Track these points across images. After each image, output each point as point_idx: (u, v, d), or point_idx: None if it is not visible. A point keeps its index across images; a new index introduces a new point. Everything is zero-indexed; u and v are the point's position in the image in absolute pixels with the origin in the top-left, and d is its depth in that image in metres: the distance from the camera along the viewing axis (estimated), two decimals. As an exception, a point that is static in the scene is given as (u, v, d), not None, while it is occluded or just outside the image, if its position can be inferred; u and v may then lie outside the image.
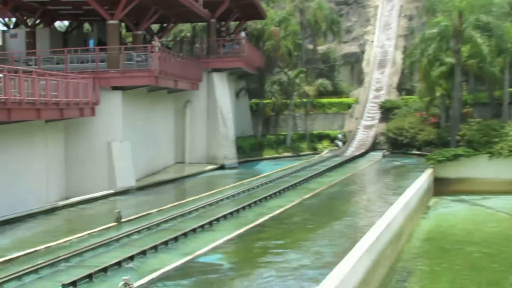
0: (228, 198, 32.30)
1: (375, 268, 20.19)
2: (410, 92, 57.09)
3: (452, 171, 41.33)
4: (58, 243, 21.20)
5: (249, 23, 59.60)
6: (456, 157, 41.33)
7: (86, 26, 49.86)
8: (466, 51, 42.19)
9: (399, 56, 61.45)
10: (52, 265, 17.97)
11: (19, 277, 16.61)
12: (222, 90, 50.67)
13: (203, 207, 29.32)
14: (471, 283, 21.69)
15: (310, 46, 60.61)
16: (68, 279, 15.54)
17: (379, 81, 59.87)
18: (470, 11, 41.84)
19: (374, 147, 52.57)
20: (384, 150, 50.52)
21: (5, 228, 25.84)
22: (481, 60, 41.68)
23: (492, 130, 41.92)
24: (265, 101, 58.29)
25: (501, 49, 41.79)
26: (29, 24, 44.17)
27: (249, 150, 53.57)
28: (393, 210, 25.63)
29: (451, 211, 36.49)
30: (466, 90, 46.94)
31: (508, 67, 44.42)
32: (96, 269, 16.84)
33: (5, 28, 45.78)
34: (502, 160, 40.91)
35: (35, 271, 17.39)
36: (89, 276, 16.12)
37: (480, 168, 41.43)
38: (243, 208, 28.23)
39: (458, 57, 42.27)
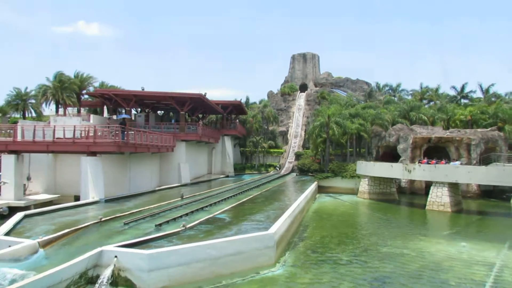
0: (231, 189, 35.70)
1: (292, 224, 22.68)
2: (307, 148, 61.62)
3: (325, 182, 46.53)
4: (154, 206, 23.97)
5: (240, 116, 65.31)
6: (327, 177, 47.18)
7: (171, 113, 52.80)
8: (331, 132, 47.43)
9: (302, 133, 67.04)
10: (151, 216, 20.68)
11: (136, 220, 19.30)
12: (227, 143, 56.29)
13: (219, 192, 32.51)
14: (333, 232, 24.49)
15: (266, 127, 66.92)
16: (158, 222, 18.57)
17: (294, 143, 65.89)
18: (333, 115, 48.32)
19: (292, 171, 56.81)
20: (296, 173, 55.07)
21: (132, 198, 28.34)
22: (337, 137, 47.54)
23: (342, 166, 48.18)
24: (246, 149, 63.72)
25: (345, 132, 47.79)
26: (146, 111, 48.94)
27: (239, 169, 59.48)
28: (301, 198, 28.61)
29: (325, 200, 40.08)
30: (331, 149, 51.48)
31: (349, 140, 50.35)
32: (170, 218, 19.59)
33: (135, 112, 48.89)
34: (347, 179, 46.41)
35: (143, 218, 20.00)
36: (167, 222, 18.93)
37: (337, 182, 46.65)
38: (236, 194, 31.31)
39: (327, 135, 48.35)
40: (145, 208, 23.45)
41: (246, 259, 15.80)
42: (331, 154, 51.61)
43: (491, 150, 44.32)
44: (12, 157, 26.66)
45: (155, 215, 21.37)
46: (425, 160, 39.28)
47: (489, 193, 43.54)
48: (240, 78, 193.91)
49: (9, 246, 13.97)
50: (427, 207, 34.48)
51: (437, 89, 69.66)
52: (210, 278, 14.51)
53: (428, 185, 37.05)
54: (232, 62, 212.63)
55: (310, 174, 51.05)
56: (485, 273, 17.04)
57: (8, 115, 55.34)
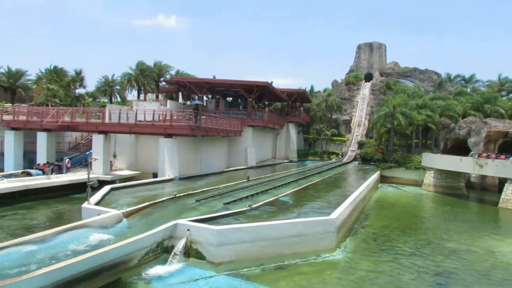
0: (294, 174, 35.32)
1: (354, 211, 22.26)
2: (370, 137, 59.36)
3: (388, 172, 44.87)
4: (222, 186, 24.55)
5: (305, 104, 64.97)
6: (390, 167, 45.34)
7: (239, 100, 53.81)
8: (396, 123, 45.49)
9: (366, 122, 64.77)
10: (219, 194, 21.26)
11: (206, 198, 20.02)
12: (292, 130, 56.19)
13: (283, 176, 32.31)
14: (395, 222, 23.66)
15: (329, 115, 65.07)
16: (225, 201, 19.12)
17: (357, 132, 63.82)
18: (398, 106, 45.92)
19: (354, 159, 55.04)
20: (359, 161, 53.34)
21: (202, 178, 29.46)
22: (402, 127, 45.40)
23: (407, 157, 45.79)
24: (309, 136, 63.57)
25: (411, 123, 45.39)
26: (216, 97, 50.10)
27: (302, 155, 59.03)
28: (363, 186, 27.74)
29: (388, 190, 38.73)
30: (395, 139, 49.72)
31: (414, 131, 47.64)
32: (237, 198, 20.08)
33: (206, 98, 49.97)
34: (411, 170, 44.03)
35: (212, 196, 20.62)
36: (234, 201, 19.39)
37: (401, 173, 44.56)
38: (299, 179, 30.75)
39: (392, 125, 46.24)
40: (214, 187, 24.04)
41: (307, 241, 15.77)
42: (395, 144, 49.78)
43: None
44: (101, 137, 28.88)
45: (223, 194, 21.91)
46: (485, 155, 35.92)
47: None
48: (305, 68, 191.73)
49: (98, 215, 15.27)
50: (499, 205, 31.41)
51: (518, 80, 63.40)
52: (272, 257, 14.69)
53: (502, 181, 33.77)
54: (298, 52, 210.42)
55: (372, 163, 49.64)
56: None
57: (98, 100, 59.43)
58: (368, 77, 77.23)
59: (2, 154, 32.17)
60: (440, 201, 34.33)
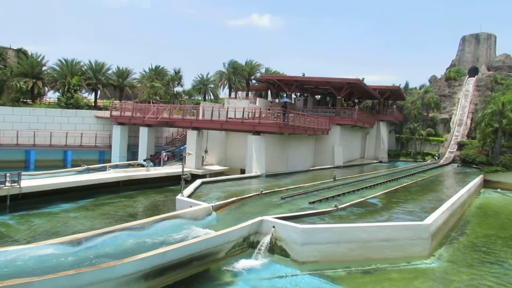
0: (384, 175, 33.77)
1: (450, 217, 20.69)
2: (472, 137, 55.10)
3: (493, 177, 40.54)
4: (308, 184, 24.23)
5: (398, 102, 62.20)
6: (496, 171, 41.17)
7: (328, 98, 52.78)
8: (505, 122, 42.00)
9: (468, 121, 60.10)
10: (305, 193, 21.17)
11: (291, 196, 19.95)
12: (383, 129, 53.89)
13: (372, 177, 31.05)
14: (501, 232, 21.41)
15: (425, 113, 61.43)
16: (311, 200, 18.90)
17: (458, 132, 59.52)
18: (508, 103, 41.92)
19: (453, 161, 51.90)
20: (458, 163, 50.15)
21: (288, 175, 29.49)
22: (512, 126, 41.87)
23: (516, 160, 41.89)
24: (402, 136, 60.47)
25: (524, 123, 41.33)
26: (305, 95, 49.49)
27: (393, 155, 56.60)
28: (462, 191, 25.92)
29: (492, 196, 35.32)
30: (503, 140, 45.39)
31: None
32: (322, 197, 19.74)
33: (294, 96, 49.55)
34: (521, 175, 40.29)
35: (298, 194, 20.61)
36: (320, 200, 19.09)
37: (509, 178, 40.23)
38: (389, 180, 29.38)
39: (500, 124, 42.59)
40: (300, 185, 23.85)
41: (398, 247, 14.86)
42: (503, 146, 45.45)
43: None
44: (194, 132, 30.34)
45: (309, 193, 21.71)
46: None
47: None
48: (400, 64, 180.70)
49: (190, 207, 16.08)
50: None
51: None
52: (359, 260, 14.15)
53: None
54: (394, 46, 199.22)
55: (474, 166, 46.17)
56: None
57: (193, 97, 63.04)
58: (473, 72, 71.15)
59: (110, 147, 35.69)
60: (559, 211, 30.16)
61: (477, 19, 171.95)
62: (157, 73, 53.14)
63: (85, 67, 45.59)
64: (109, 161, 33.44)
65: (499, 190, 37.91)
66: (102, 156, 36.42)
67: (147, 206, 22.17)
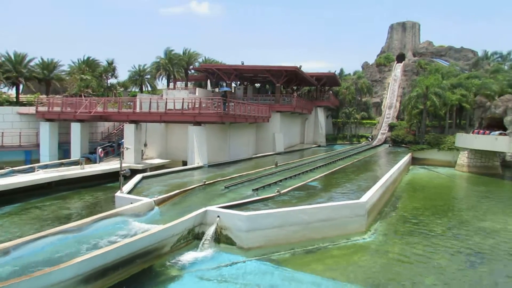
0: (323, 158, 34.95)
1: (384, 194, 22.09)
2: (401, 119, 57.65)
3: (420, 154, 43.82)
4: (251, 172, 24.45)
5: (334, 87, 63.95)
6: (422, 149, 44.37)
7: (267, 86, 53.14)
8: (429, 103, 44.57)
9: (397, 104, 63.16)
10: (248, 181, 21.36)
11: (235, 184, 20.04)
12: (320, 114, 55.32)
13: (311, 161, 32.13)
14: (427, 204, 23.24)
15: (359, 98, 63.86)
16: (254, 187, 19.01)
17: (388, 114, 62.82)
18: (431, 86, 44.55)
19: (385, 142, 54.62)
20: (389, 144, 52.79)
21: (231, 165, 29.29)
22: (437, 108, 44.40)
23: (439, 138, 44.73)
24: (338, 120, 62.33)
25: (445, 103, 44.33)
26: (244, 83, 49.82)
27: (331, 139, 58.66)
28: (393, 169, 27.35)
29: (419, 172, 37.97)
30: (428, 120, 49.02)
31: (448, 111, 46.56)
32: (266, 184, 20.09)
33: (234, 85, 49.53)
34: (444, 151, 43.04)
35: (241, 182, 20.76)
36: (263, 187, 19.37)
37: (433, 154, 43.53)
38: (327, 163, 30.47)
39: (424, 106, 45.30)
40: (243, 173, 24.00)
41: (337, 225, 15.63)
42: (427, 125, 48.85)
43: None
44: (132, 126, 29.10)
45: (252, 180, 21.91)
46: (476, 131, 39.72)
47: None
48: (335, 51, 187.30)
49: (131, 203, 15.52)
50: (537, 184, 30.58)
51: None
52: (302, 241, 14.64)
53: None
54: (328, 35, 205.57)
55: (403, 145, 48.90)
56: None
57: (129, 90, 60.36)
58: (400, 58, 75.24)
59: (38, 145, 32.94)
60: (474, 181, 33.53)
61: (404, 8, 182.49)
62: (88, 64, 49.99)
63: (2, 59, 41.44)
64: (38, 161, 30.94)
65: (425, 166, 41.10)
66: (29, 156, 33.47)
67: (84, 206, 21.01)
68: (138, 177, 21.19)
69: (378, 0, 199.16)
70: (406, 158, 37.83)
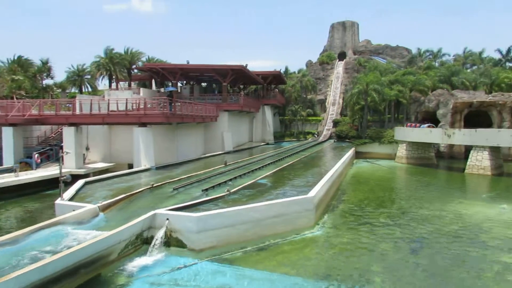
0: (271, 156, 35.27)
1: (331, 188, 22.80)
2: (345, 115, 59.29)
3: (363, 148, 45.94)
4: (200, 172, 24.22)
5: (280, 86, 64.61)
6: (364, 143, 46.52)
7: (214, 85, 52.53)
8: (369, 99, 46.25)
9: (340, 101, 64.76)
10: (198, 181, 21.09)
11: (184, 186, 19.71)
12: (268, 112, 55.88)
13: (260, 159, 32.26)
14: (371, 195, 24.30)
15: (304, 95, 65.08)
16: (204, 188, 18.87)
17: (332, 111, 64.18)
18: (371, 83, 46.48)
19: (330, 138, 55.68)
20: (334, 139, 53.85)
21: (179, 166, 28.74)
22: (376, 103, 46.43)
23: (380, 132, 47.08)
24: (285, 117, 63.27)
25: (384, 99, 46.46)
26: (191, 83, 49.26)
27: (278, 137, 59.45)
28: (339, 163, 28.22)
29: (363, 165, 39.69)
30: (369, 116, 50.53)
31: (387, 107, 49.08)
32: (215, 184, 19.94)
33: (180, 84, 49.13)
34: (384, 145, 45.46)
35: (190, 183, 20.43)
36: (213, 187, 19.29)
37: (375, 148, 45.86)
38: (276, 160, 30.99)
39: (365, 102, 47.29)
40: (192, 174, 23.71)
41: (287, 221, 15.87)
42: (369, 120, 50.77)
43: (536, 113, 41.51)
44: (72, 129, 27.70)
45: (202, 180, 21.68)
46: (409, 124, 42.56)
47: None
48: (280, 50, 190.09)
49: (73, 210, 14.69)
50: (466, 171, 33.38)
51: (481, 53, 65.33)
52: (254, 239, 14.71)
53: (468, 149, 35.76)
54: (273, 34, 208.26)
55: (347, 140, 50.62)
56: (526, 234, 16.43)
57: (67, 91, 57.42)
58: (342, 56, 77.42)
59: (-35, 153, 30.38)
60: (413, 172, 35.56)
61: (344, 7, 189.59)
62: (20, 64, 46.79)
63: None
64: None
65: (368, 160, 43.20)
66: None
67: (21, 217, 19.62)
68: (80, 182, 20.23)
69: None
70: (350, 152, 39.30)
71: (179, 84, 48.25)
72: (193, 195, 18.13)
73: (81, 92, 56.43)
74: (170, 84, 44.88)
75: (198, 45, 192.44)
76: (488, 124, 41.21)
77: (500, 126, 40.00)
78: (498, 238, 15.85)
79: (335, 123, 58.50)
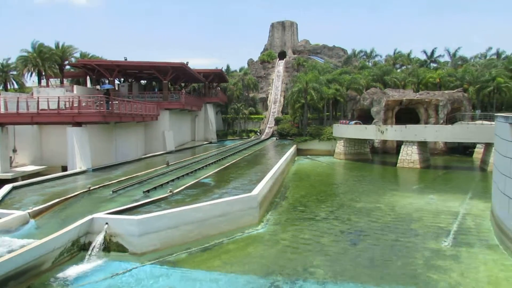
0: (214, 155, 35.16)
1: (274, 185, 23.17)
2: (286, 113, 60.37)
3: (304, 145, 46.98)
4: (141, 173, 23.70)
5: (222, 84, 64.38)
6: (305, 140, 47.71)
7: (154, 83, 51.91)
8: (309, 98, 47.48)
9: (281, 99, 66.09)
10: (138, 183, 20.55)
11: (124, 188, 19.11)
12: (210, 110, 55.51)
13: (203, 158, 32.06)
14: (312, 191, 25.12)
15: (246, 94, 65.64)
16: (145, 189, 18.44)
17: (274, 109, 65.46)
18: (310, 81, 47.72)
19: (272, 136, 56.57)
20: (276, 137, 54.76)
21: (119, 167, 27.91)
22: (315, 102, 47.86)
23: (319, 129, 48.50)
24: (228, 116, 63.24)
25: (322, 97, 48.04)
26: (129, 80, 47.50)
27: (221, 135, 59.32)
28: (281, 161, 28.82)
29: (304, 162, 40.59)
30: (309, 113, 51.91)
31: (325, 105, 50.72)
32: (157, 185, 19.47)
33: (118, 82, 47.32)
34: (324, 142, 46.97)
35: (131, 185, 19.91)
36: (155, 188, 18.85)
37: (315, 145, 47.11)
38: (219, 159, 30.97)
39: (305, 100, 48.41)
40: (133, 175, 23.02)
41: (232, 220, 15.92)
42: (309, 118, 52.12)
43: (456, 110, 45.50)
44: (-4, 130, 25.60)
45: (143, 182, 21.08)
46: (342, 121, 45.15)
47: (454, 149, 45.11)
48: (221, 48, 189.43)
49: None
50: (398, 165, 35.51)
51: (409, 54, 69.93)
52: (198, 239, 14.59)
53: (399, 144, 37.99)
54: (213, 31, 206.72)
55: (289, 138, 51.36)
56: (450, 221, 18.00)
57: (-10, 88, 52.66)
58: (282, 55, 78.89)
59: None
60: (350, 167, 37.27)
61: (283, 7, 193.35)
62: None
63: None
64: None
65: (309, 156, 44.38)
66: None
67: None
68: (7, 187, 18.77)
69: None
70: (292, 149, 40.24)
71: (116, 82, 46.47)
72: (134, 197, 17.56)
73: (6, 89, 51.76)
74: (106, 81, 42.78)
75: (136, 42, 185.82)
76: (416, 120, 44.53)
77: (426, 122, 43.48)
78: (427, 226, 17.22)
79: (277, 121, 59.45)
